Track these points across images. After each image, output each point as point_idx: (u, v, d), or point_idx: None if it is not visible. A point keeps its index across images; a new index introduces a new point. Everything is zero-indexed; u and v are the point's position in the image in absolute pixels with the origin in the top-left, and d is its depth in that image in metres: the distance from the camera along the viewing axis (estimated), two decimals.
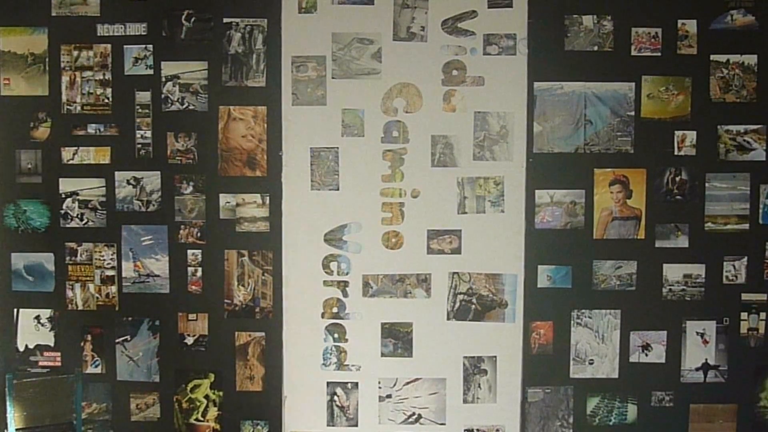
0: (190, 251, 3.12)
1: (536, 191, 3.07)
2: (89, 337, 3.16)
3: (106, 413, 3.18)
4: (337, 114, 3.06)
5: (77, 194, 3.11)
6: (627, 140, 3.07)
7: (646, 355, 3.14)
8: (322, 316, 3.12)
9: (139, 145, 3.10)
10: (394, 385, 3.14)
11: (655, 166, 3.08)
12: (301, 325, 3.12)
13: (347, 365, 3.13)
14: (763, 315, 3.13)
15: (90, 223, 3.12)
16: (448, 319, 3.12)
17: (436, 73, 3.03)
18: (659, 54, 3.04)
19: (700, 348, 3.14)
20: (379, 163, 3.07)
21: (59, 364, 3.16)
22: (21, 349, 3.17)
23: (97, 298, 3.15)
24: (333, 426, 3.16)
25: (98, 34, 3.06)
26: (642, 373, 3.13)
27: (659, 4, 3.04)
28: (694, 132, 3.07)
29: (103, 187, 3.10)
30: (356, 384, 3.15)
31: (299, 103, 3.05)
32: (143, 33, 3.06)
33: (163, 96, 3.07)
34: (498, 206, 3.08)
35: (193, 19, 3.05)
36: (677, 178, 3.08)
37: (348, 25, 3.03)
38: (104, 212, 3.11)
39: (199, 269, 3.13)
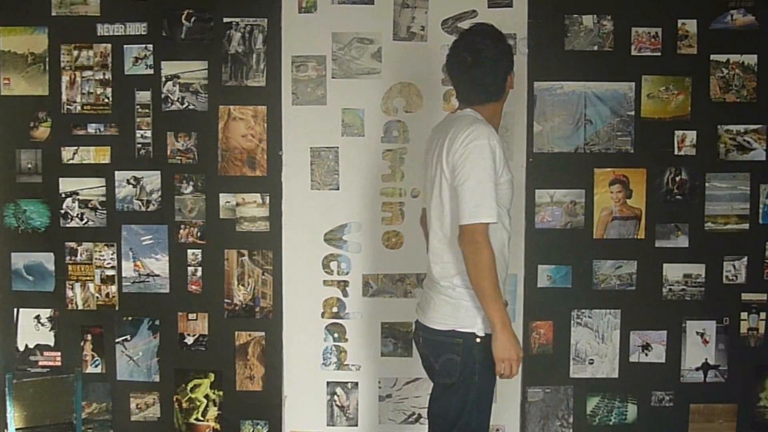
0: (190, 251, 3.12)
1: (536, 191, 3.07)
2: (89, 337, 3.16)
3: (106, 413, 3.18)
4: (337, 114, 3.05)
5: (77, 194, 3.11)
6: (627, 140, 3.07)
7: (646, 354, 3.13)
8: (322, 316, 3.11)
9: (139, 145, 3.10)
10: (394, 384, 3.14)
11: (655, 166, 3.08)
12: (301, 325, 3.11)
13: (347, 365, 3.13)
14: (763, 315, 3.13)
15: (90, 222, 3.12)
16: None
17: (436, 73, 3.03)
18: (659, 54, 3.04)
19: (700, 348, 3.14)
20: (379, 162, 3.07)
21: (59, 363, 3.16)
22: (21, 348, 3.17)
23: (97, 297, 3.15)
24: (333, 426, 3.16)
25: (98, 34, 3.06)
26: (642, 372, 3.13)
27: (659, 4, 3.04)
28: (694, 132, 3.06)
29: (103, 186, 3.10)
30: (356, 384, 3.14)
31: (299, 103, 3.05)
32: (143, 33, 3.06)
33: (163, 96, 3.07)
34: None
35: (193, 19, 3.05)
36: (677, 178, 3.08)
37: (348, 24, 3.02)
38: (104, 212, 3.11)
39: (199, 269, 3.13)
